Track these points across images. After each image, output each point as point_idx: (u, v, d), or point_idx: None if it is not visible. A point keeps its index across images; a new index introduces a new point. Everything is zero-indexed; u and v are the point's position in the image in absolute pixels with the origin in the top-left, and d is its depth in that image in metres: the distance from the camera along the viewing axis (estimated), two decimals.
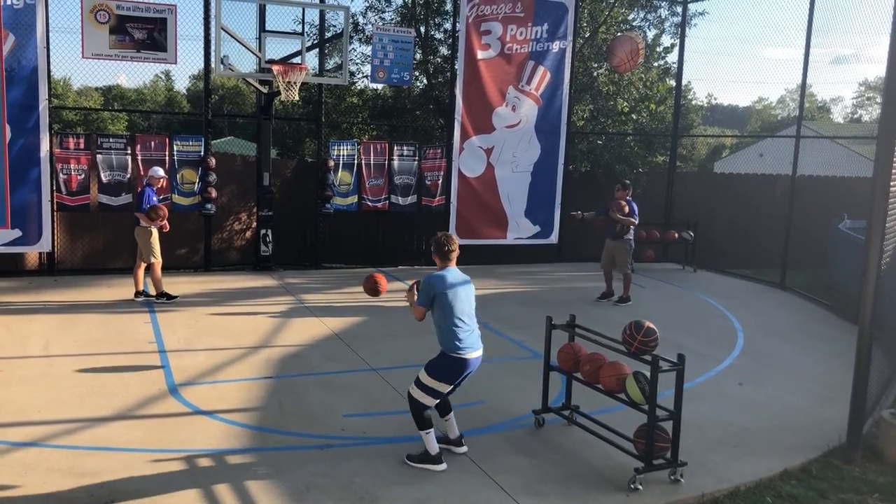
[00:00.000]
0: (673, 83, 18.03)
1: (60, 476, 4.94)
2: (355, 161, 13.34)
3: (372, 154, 13.48)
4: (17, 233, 10.92)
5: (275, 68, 11.33)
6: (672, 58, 20.11)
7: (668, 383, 5.31)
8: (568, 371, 6.02)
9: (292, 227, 13.41)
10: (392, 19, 19.77)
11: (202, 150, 12.13)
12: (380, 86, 19.51)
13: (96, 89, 49.91)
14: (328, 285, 11.78)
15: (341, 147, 13.33)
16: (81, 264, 12.00)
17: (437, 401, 5.49)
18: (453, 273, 5.67)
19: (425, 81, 19.66)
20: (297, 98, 11.86)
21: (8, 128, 10.58)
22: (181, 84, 59.20)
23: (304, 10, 13.12)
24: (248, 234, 13.77)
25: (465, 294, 5.62)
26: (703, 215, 14.57)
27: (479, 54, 13.62)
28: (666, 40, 20.73)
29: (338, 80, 13.48)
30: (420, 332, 9.10)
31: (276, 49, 12.12)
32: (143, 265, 9.97)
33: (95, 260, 12.00)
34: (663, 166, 18.50)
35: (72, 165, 11.39)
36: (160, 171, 10.30)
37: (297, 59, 11.82)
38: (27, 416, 5.97)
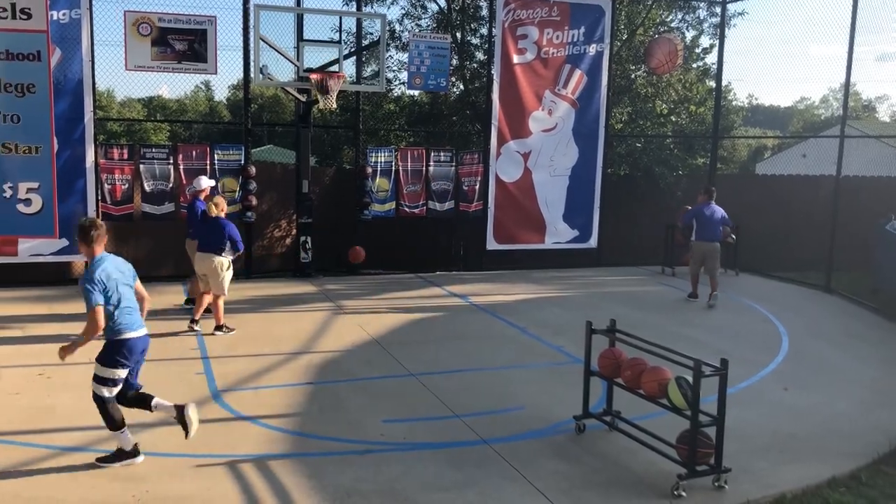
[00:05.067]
0: (712, 84, 17.80)
1: (107, 480, 5.03)
2: (393, 167, 13.41)
3: (409, 160, 13.54)
4: (64, 242, 11.13)
5: (312, 77, 11.45)
6: (711, 58, 19.82)
7: (710, 388, 5.22)
8: (608, 376, 5.96)
9: (331, 233, 13.52)
10: (428, 26, 19.84)
11: (242, 158, 12.30)
12: (416, 92, 19.59)
13: (139, 100, 50.89)
14: (367, 291, 11.84)
15: (379, 154, 13.41)
16: None
17: (117, 388, 5.37)
18: (110, 258, 5.47)
19: (462, 87, 19.68)
20: (334, 106, 11.96)
21: (55, 139, 10.84)
22: (221, 94, 60.12)
23: (341, 18, 13.26)
24: (288, 241, 13.91)
25: (126, 275, 5.50)
26: (745, 218, 14.34)
27: (515, 59, 13.60)
28: (705, 41, 20.48)
29: (375, 88, 13.59)
30: (459, 338, 9.13)
31: (315, 58, 12.25)
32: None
33: (139, 268, 11.88)
34: (704, 169, 18.26)
35: (116, 175, 11.63)
36: (203, 181, 10.34)
37: (334, 68, 11.93)
38: (74, 422, 6.09)
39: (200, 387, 7.06)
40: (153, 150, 12.13)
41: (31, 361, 7.63)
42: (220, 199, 9.09)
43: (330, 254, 13.37)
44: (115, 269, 5.38)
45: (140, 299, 5.61)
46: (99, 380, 5.37)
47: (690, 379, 5.06)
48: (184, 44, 11.54)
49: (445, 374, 7.62)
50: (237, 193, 12.28)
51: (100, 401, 5.36)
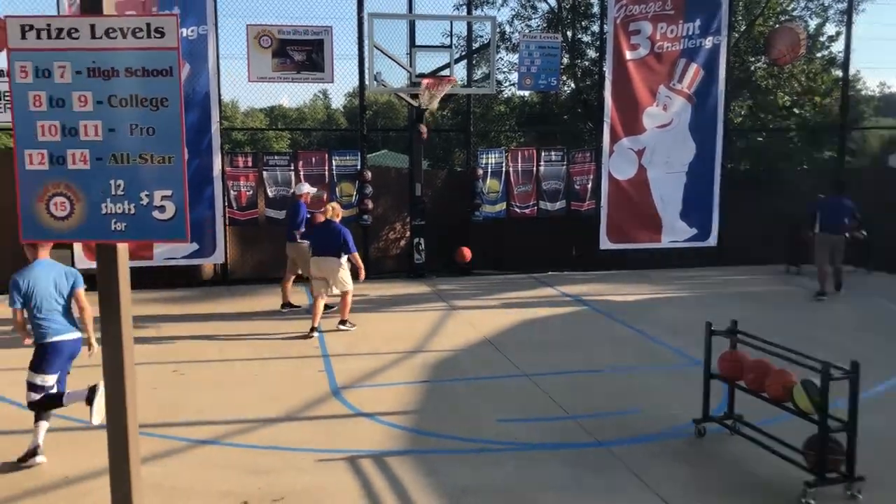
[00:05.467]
0: (839, 73, 16.86)
1: (235, 473, 5.29)
2: (503, 168, 13.43)
3: (520, 161, 13.53)
4: (194, 246, 11.84)
5: (424, 82, 11.64)
6: (837, 47, 18.83)
7: (840, 392, 4.96)
8: (730, 379, 5.77)
9: (443, 235, 13.67)
10: (538, 26, 19.77)
11: (358, 164, 12.65)
12: (526, 93, 19.55)
13: (261, 110, 53.12)
14: (479, 291, 11.91)
15: (489, 155, 13.47)
16: (251, 274, 12.80)
17: (41, 394, 5.44)
18: (43, 263, 5.55)
19: (573, 85, 19.50)
20: (444, 110, 12.12)
21: (186, 150, 11.49)
22: (338, 101, 62.00)
23: (451, 23, 13.40)
24: (402, 243, 14.17)
25: (46, 280, 5.49)
26: (878, 213, 13.50)
27: (628, 55, 13.35)
28: (830, 28, 19.46)
29: (485, 90, 13.65)
30: (572, 339, 9.05)
31: (426, 63, 12.45)
32: (292, 278, 10.48)
33: (263, 270, 12.74)
34: (831, 162, 17.32)
35: (241, 182, 12.21)
36: (305, 187, 10.77)
37: (445, 72, 12.08)
38: (205, 416, 6.43)
39: (322, 384, 7.30)
40: (275, 157, 12.67)
41: (166, 359, 8.11)
42: (336, 205, 9.54)
43: (443, 255, 13.52)
44: (44, 276, 5.52)
45: (80, 308, 5.67)
46: (29, 385, 5.51)
47: (818, 382, 4.83)
48: (302, 54, 11.98)
49: (559, 374, 7.57)
50: (353, 198, 12.63)
51: (32, 405, 5.51)
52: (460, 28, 15.82)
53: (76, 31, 3.45)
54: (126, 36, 3.43)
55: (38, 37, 3.48)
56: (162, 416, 6.35)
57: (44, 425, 5.53)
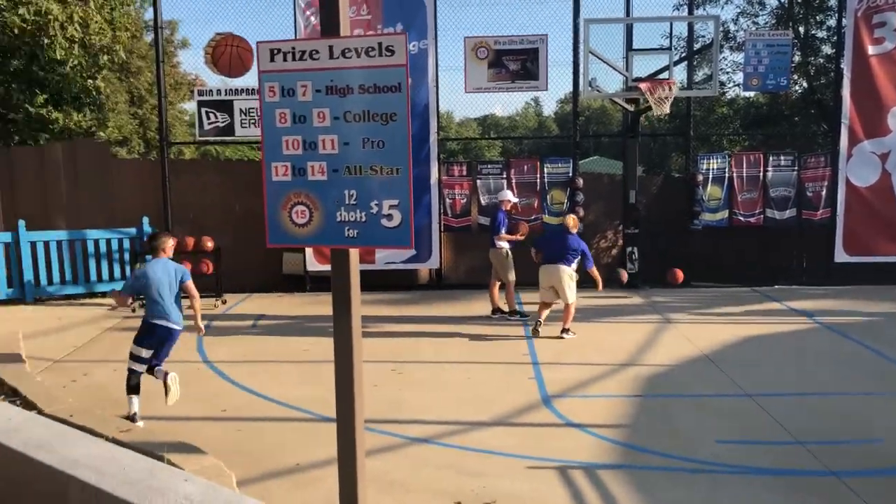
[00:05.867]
0: None
1: (449, 473, 5.45)
2: (726, 174, 12.77)
3: (744, 166, 12.78)
4: (412, 251, 12.40)
5: (641, 86, 11.35)
6: None
7: None
8: None
9: (658, 244, 13.23)
10: (766, 23, 18.61)
11: (570, 171, 12.59)
12: (752, 94, 18.45)
13: (474, 119, 54.57)
14: (697, 304, 11.39)
15: (710, 160, 12.85)
16: (463, 279, 13.16)
17: (138, 364, 6.56)
18: (159, 262, 6.70)
19: (805, 84, 18.12)
20: (666, 113, 11.74)
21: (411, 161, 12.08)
22: (549, 108, 62.23)
23: (671, 24, 12.96)
24: (614, 251, 13.90)
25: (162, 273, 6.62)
26: None
27: (870, 49, 12.18)
28: None
29: (707, 92, 13.07)
30: (801, 358, 8.39)
31: (642, 66, 12.14)
32: (498, 283, 10.61)
33: (475, 276, 13.05)
34: None
35: (456, 191, 12.61)
36: (508, 194, 10.86)
37: (664, 75, 11.71)
38: (421, 415, 6.69)
39: (532, 391, 7.34)
40: (488, 165, 12.94)
41: (386, 358, 8.54)
42: (574, 217, 9.80)
43: (657, 265, 13.09)
44: (161, 271, 6.65)
45: (191, 297, 6.77)
46: (131, 356, 6.66)
47: None
48: (517, 63, 12.15)
49: (786, 396, 7.05)
50: (564, 205, 12.58)
51: (129, 371, 6.60)
52: (680, 29, 15.28)
53: (316, 52, 3.74)
54: (360, 55, 3.66)
55: (284, 59, 3.80)
56: (382, 413, 6.68)
57: (137, 402, 6.58)
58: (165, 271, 6.63)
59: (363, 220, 3.79)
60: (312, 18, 12.10)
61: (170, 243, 6.91)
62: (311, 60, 3.75)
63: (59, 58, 16.10)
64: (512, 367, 8.18)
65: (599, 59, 11.81)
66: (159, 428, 6.14)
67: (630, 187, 12.58)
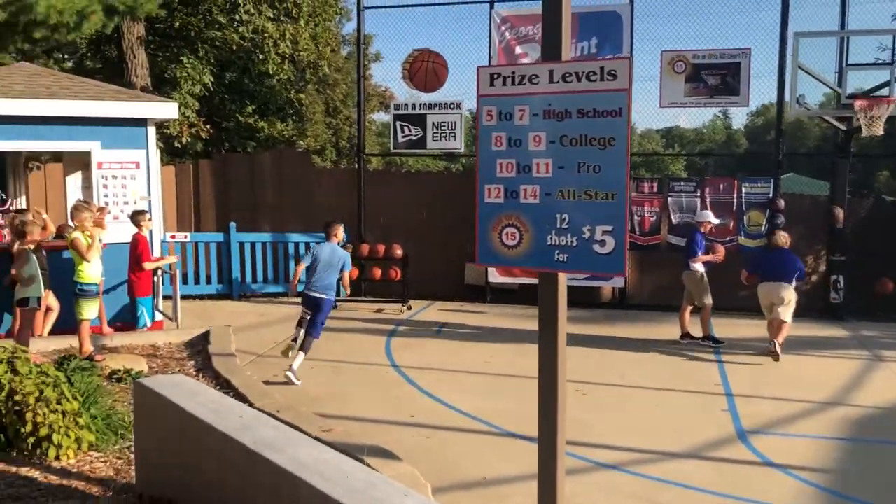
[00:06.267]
0: None
1: (632, 501, 5.29)
2: None
3: None
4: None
5: (856, 103, 10.54)
6: None
7: None
8: None
9: (868, 272, 12.19)
10: None
11: (770, 191, 11.91)
12: None
13: (657, 131, 53.06)
14: None
15: None
16: (648, 300, 12.78)
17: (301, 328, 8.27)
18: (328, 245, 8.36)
19: None
20: (878, 134, 10.83)
21: (629, 186, 11.94)
22: (738, 121, 59.32)
23: (894, 37, 11.92)
24: (814, 278, 12.97)
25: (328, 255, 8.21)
26: None
27: None
28: None
29: None
30: None
31: (855, 82, 11.28)
32: (689, 308, 10.16)
33: (661, 297, 12.64)
34: None
35: (645, 208, 12.30)
36: (709, 215, 10.36)
37: (883, 91, 10.80)
38: (608, 440, 6.54)
39: (726, 424, 6.99)
40: (681, 183, 12.51)
41: (569, 378, 8.36)
42: (785, 233, 9.80)
43: (866, 296, 12.08)
44: (328, 252, 8.21)
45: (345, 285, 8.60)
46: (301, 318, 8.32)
47: None
48: (716, 78, 11.67)
49: None
50: (762, 227, 11.91)
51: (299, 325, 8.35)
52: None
53: (536, 77, 3.76)
54: (581, 80, 3.64)
55: (504, 83, 3.86)
56: (568, 435, 6.59)
57: (301, 354, 8.06)
58: (332, 254, 8.21)
59: (574, 244, 3.77)
60: (507, 34, 12.26)
61: (338, 231, 8.52)
62: (530, 85, 3.78)
63: (270, 72, 17.39)
64: (704, 397, 7.83)
65: (808, 73, 11.09)
66: (356, 429, 6.43)
67: (838, 210, 11.70)
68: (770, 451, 6.32)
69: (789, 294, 9.28)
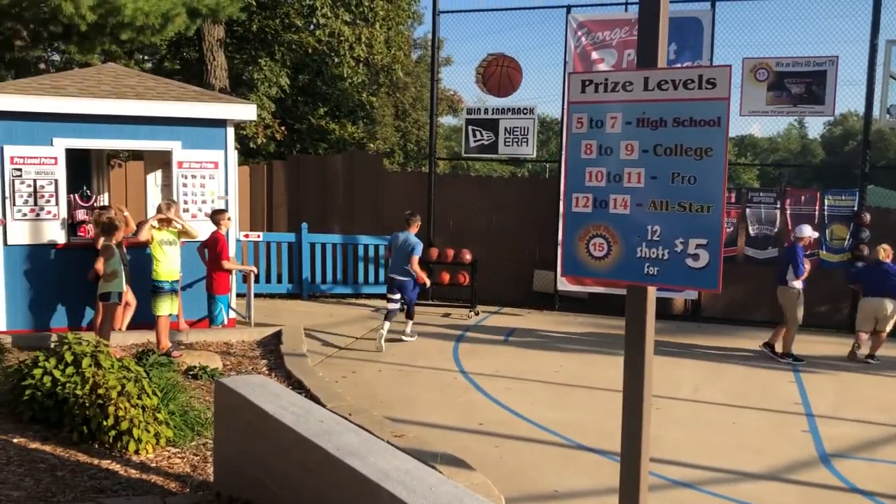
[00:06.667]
0: None
1: None
2: None
3: None
4: None
5: None
6: None
7: None
8: None
9: None
10: None
11: (855, 204, 11.45)
12: None
13: (730, 139, 51.82)
14: None
15: None
16: (722, 313, 12.43)
17: (391, 303, 9.74)
18: (403, 233, 9.80)
19: None
20: None
21: (725, 198, 11.69)
22: (814, 130, 57.56)
23: None
24: None
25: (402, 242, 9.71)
26: None
27: None
28: None
29: None
30: None
31: None
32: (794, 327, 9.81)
33: (736, 310, 12.29)
34: None
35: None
36: (807, 229, 9.98)
37: None
38: (683, 457, 6.36)
39: (807, 446, 6.72)
40: (760, 194, 12.13)
41: None
42: (887, 247, 9.82)
43: None
44: (402, 240, 9.70)
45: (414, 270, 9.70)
46: (387, 299, 9.94)
47: None
48: (800, 87, 11.29)
49: None
50: (846, 242, 11.46)
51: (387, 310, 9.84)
52: None
53: (630, 83, 3.67)
54: (677, 87, 3.53)
55: (595, 90, 3.78)
56: None
57: (387, 325, 9.53)
58: (406, 241, 9.63)
59: (665, 257, 3.66)
60: (584, 39, 12.10)
61: (415, 223, 9.86)
62: (623, 92, 3.69)
63: (345, 75, 17.56)
64: (782, 416, 7.56)
65: None
66: (427, 435, 6.40)
67: None
68: (856, 476, 6.06)
69: (891, 307, 9.57)
